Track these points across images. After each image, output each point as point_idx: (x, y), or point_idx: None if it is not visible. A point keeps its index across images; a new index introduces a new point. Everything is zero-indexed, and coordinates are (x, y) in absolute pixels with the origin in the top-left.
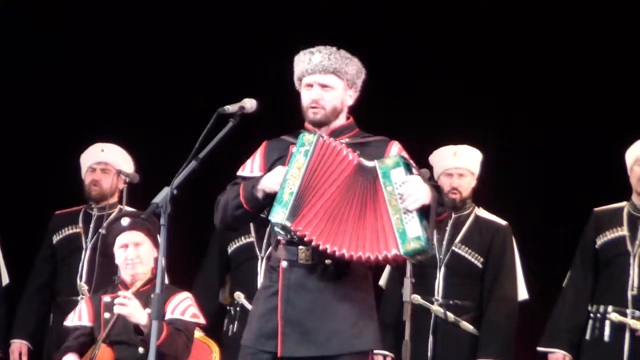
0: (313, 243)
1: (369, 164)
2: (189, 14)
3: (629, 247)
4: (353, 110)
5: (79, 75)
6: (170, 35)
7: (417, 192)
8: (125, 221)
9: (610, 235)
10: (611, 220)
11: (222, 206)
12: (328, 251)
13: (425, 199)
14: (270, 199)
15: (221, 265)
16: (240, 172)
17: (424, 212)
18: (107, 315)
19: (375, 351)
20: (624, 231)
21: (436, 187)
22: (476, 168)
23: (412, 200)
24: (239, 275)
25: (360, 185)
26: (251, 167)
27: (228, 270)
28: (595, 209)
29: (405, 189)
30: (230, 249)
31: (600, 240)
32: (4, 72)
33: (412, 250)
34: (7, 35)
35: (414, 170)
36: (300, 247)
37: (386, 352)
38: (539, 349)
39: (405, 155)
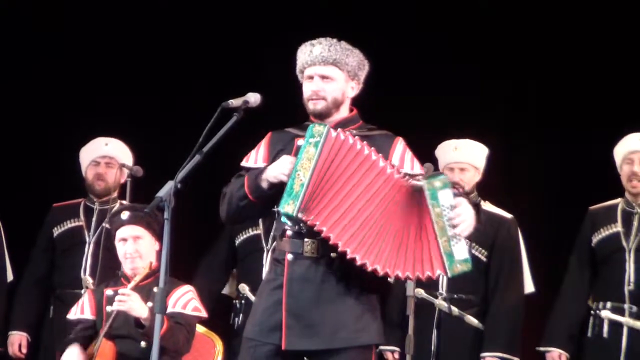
0: (323, 235)
1: (416, 183)
2: (192, 8)
3: (624, 243)
4: (359, 105)
5: (79, 73)
6: (172, 31)
7: (468, 218)
8: (124, 215)
9: (605, 232)
10: (606, 218)
11: (227, 198)
12: (357, 262)
13: (474, 224)
14: (274, 188)
15: (228, 255)
16: (244, 163)
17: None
18: (109, 308)
19: (381, 347)
20: (618, 227)
21: (476, 205)
22: (479, 162)
23: (465, 226)
24: (244, 267)
25: (404, 201)
26: (255, 158)
27: (234, 262)
28: (590, 207)
29: (456, 214)
30: (237, 241)
31: (595, 238)
32: (4, 72)
33: (459, 272)
34: (7, 35)
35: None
36: (306, 239)
37: (393, 347)
38: (538, 349)
39: (410, 152)
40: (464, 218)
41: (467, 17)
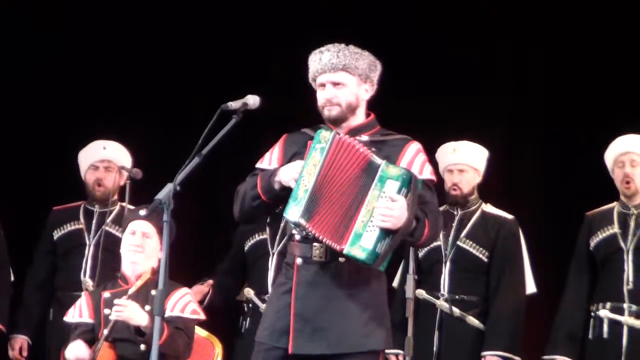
0: (321, 238)
1: (378, 160)
2: (192, 9)
3: (622, 244)
4: (372, 107)
5: (79, 74)
6: (173, 31)
7: (392, 216)
8: (142, 211)
9: (602, 234)
10: (602, 221)
11: (241, 197)
12: (316, 235)
13: (393, 225)
14: (286, 190)
15: (241, 265)
16: (258, 165)
17: (390, 233)
18: (107, 311)
19: (387, 350)
20: (614, 229)
21: (417, 219)
22: (479, 164)
23: (381, 219)
24: (251, 272)
25: (364, 177)
26: (269, 159)
27: (245, 268)
28: (587, 212)
29: (385, 206)
30: (247, 246)
31: (593, 242)
32: (4, 72)
33: (352, 255)
34: (7, 35)
35: (411, 190)
36: (315, 244)
37: (399, 351)
38: (544, 357)
39: (423, 157)
40: (386, 212)
41: (468, 16)
